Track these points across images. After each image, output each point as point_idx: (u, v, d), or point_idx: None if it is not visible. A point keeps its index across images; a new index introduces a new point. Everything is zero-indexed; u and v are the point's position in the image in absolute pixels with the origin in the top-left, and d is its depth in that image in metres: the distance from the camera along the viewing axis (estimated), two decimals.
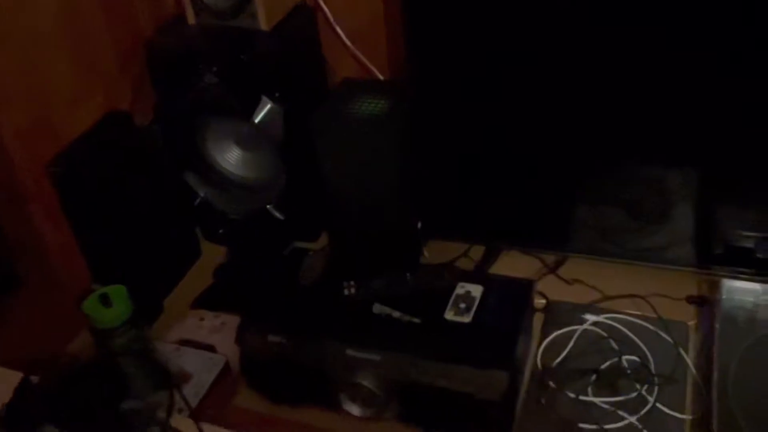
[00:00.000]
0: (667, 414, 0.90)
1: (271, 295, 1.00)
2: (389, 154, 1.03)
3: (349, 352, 0.90)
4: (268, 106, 1.07)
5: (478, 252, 1.15)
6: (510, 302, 0.95)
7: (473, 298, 0.94)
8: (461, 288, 0.96)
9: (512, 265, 1.12)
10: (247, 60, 1.04)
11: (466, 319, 0.92)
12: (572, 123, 1.00)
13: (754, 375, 0.89)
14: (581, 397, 0.92)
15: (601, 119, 0.99)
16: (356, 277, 0.98)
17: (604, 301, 1.05)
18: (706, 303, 1.00)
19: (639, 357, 0.96)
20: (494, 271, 1.12)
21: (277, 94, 1.06)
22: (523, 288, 0.98)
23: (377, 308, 0.94)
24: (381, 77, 1.15)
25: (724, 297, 0.98)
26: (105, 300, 0.93)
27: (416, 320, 0.93)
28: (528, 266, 1.12)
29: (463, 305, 0.93)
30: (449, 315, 0.93)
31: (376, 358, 0.89)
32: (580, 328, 1.00)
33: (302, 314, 0.96)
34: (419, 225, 1.12)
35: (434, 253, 1.15)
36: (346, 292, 0.97)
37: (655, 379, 0.93)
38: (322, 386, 0.93)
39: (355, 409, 0.92)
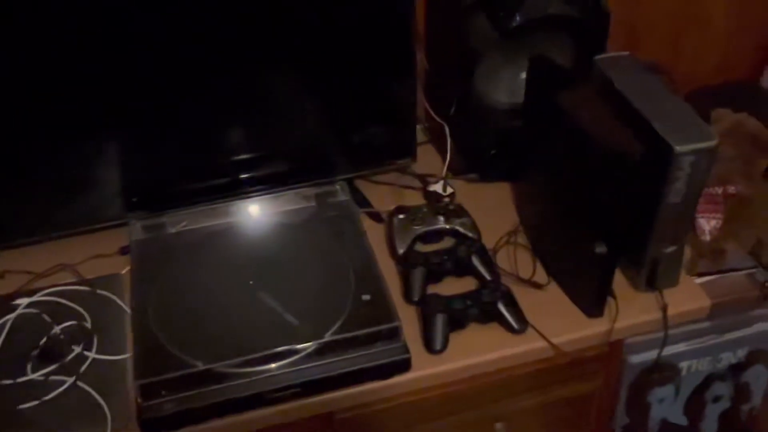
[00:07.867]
0: (107, 360, 0.95)
1: None
2: None
3: None
4: None
5: None
6: None
7: None
8: None
9: None
10: None
11: None
12: None
13: (170, 297, 0.99)
14: (19, 380, 0.92)
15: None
16: None
17: (37, 281, 1.05)
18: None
19: (76, 320, 0.99)
20: None
21: None
22: None
23: None
24: None
25: (133, 239, 1.06)
26: None
27: None
28: None
29: None
30: None
31: None
32: (12, 315, 0.99)
33: None
34: None
35: None
36: None
37: (91, 334, 0.97)
38: None
39: None
